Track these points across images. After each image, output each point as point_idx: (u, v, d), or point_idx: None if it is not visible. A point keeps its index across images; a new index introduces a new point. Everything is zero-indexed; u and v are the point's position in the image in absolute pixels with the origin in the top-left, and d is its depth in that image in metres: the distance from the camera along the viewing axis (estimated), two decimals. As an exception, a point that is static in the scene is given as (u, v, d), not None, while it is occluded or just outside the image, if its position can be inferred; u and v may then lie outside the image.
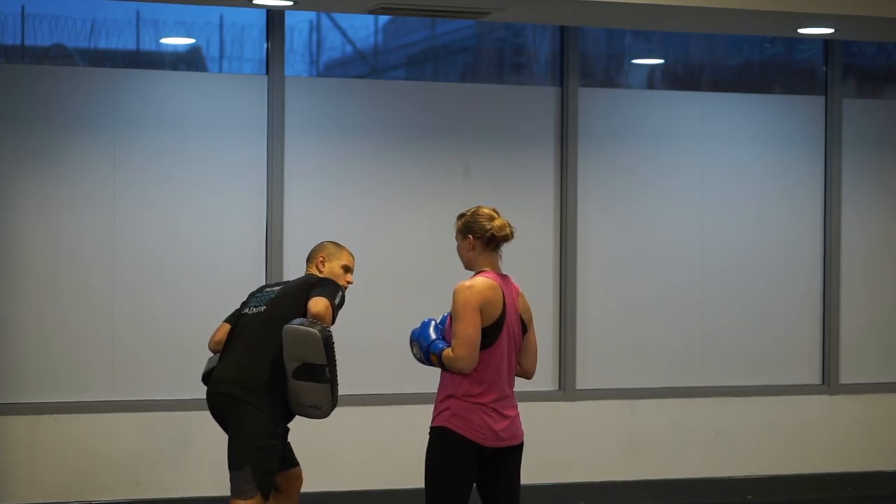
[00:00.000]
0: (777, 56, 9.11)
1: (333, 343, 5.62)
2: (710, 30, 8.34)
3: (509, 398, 5.22)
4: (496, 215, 5.25)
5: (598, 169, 8.36)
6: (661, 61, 8.95)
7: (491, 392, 5.14)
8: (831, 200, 8.73)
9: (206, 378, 5.89)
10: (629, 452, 8.35)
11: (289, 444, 5.95)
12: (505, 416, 5.17)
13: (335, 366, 5.64)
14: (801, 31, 8.01)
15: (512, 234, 5.24)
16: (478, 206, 5.29)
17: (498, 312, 5.12)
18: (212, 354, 5.96)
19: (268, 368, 5.69)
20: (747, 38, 8.86)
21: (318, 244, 6.09)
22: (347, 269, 6.02)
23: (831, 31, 8.02)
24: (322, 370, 5.58)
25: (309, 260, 6.07)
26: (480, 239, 5.21)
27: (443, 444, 5.14)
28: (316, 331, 5.55)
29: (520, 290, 5.31)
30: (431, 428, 5.19)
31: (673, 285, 8.50)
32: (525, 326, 5.29)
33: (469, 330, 5.05)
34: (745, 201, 8.65)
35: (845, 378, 8.77)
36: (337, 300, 5.73)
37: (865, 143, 8.83)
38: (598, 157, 8.36)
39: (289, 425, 5.88)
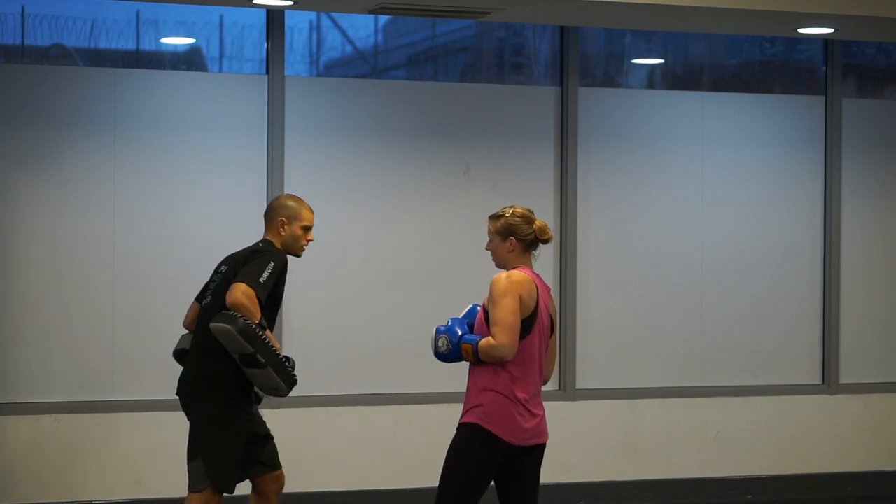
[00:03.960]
0: (777, 56, 9.11)
1: (255, 328, 5.50)
2: (710, 30, 8.34)
3: (538, 396, 5.24)
4: (533, 216, 5.29)
5: (597, 169, 8.36)
6: (661, 61, 8.95)
7: (524, 388, 5.15)
8: (831, 200, 8.73)
9: (177, 356, 5.94)
10: (629, 452, 8.35)
11: (272, 447, 5.87)
12: (534, 415, 5.20)
13: (268, 348, 5.53)
14: (801, 31, 8.01)
15: (552, 235, 5.31)
16: (513, 208, 5.31)
17: (533, 305, 5.16)
18: (186, 332, 5.99)
19: (213, 362, 5.66)
20: (747, 38, 8.86)
21: (276, 199, 5.94)
22: (307, 229, 5.85)
23: (831, 31, 8.03)
24: (254, 358, 5.52)
25: (268, 219, 5.87)
26: (523, 241, 5.25)
27: (472, 442, 5.14)
28: (229, 326, 5.48)
29: (550, 291, 5.35)
30: (462, 424, 5.18)
31: (673, 285, 8.50)
32: (552, 327, 5.33)
33: (510, 317, 5.07)
34: (744, 201, 8.65)
35: (845, 378, 8.77)
36: (265, 276, 5.58)
37: (865, 143, 8.83)
38: (598, 157, 8.36)
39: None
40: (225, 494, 5.70)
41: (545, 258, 8.23)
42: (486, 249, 5.34)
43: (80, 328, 7.54)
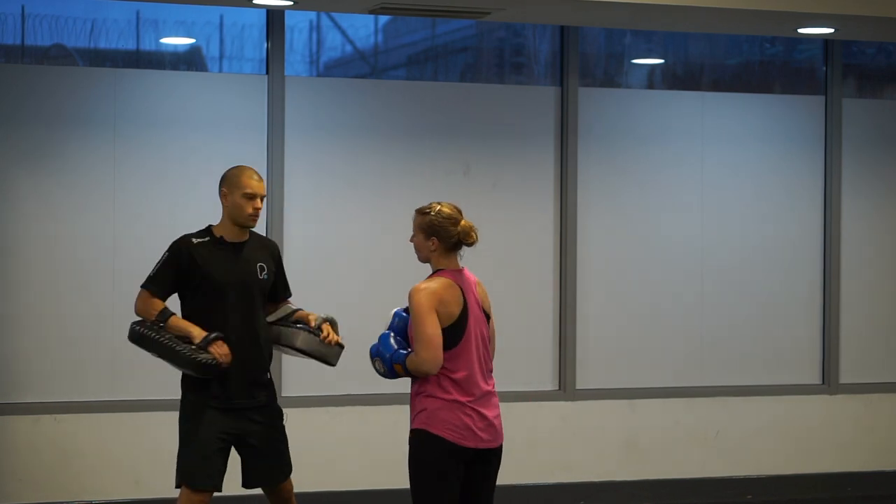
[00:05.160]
0: (777, 56, 9.11)
1: (138, 329, 5.54)
2: (710, 30, 8.34)
3: (488, 396, 5.15)
4: (460, 216, 5.17)
5: (598, 169, 8.36)
6: (661, 61, 8.95)
7: (466, 392, 5.08)
8: (831, 200, 8.73)
9: None
10: (629, 452, 8.35)
11: (271, 460, 5.71)
12: (484, 417, 5.11)
13: (156, 342, 5.51)
14: (801, 31, 8.01)
15: (477, 238, 5.18)
16: (440, 206, 5.18)
17: (458, 310, 5.08)
18: None
19: None
20: (747, 38, 8.86)
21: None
22: (250, 197, 5.63)
23: (831, 31, 8.03)
24: (157, 356, 5.57)
25: (218, 192, 5.77)
26: (445, 242, 5.16)
27: (422, 448, 5.07)
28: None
29: (477, 280, 5.25)
30: (411, 430, 5.13)
31: (673, 285, 8.50)
32: (487, 316, 5.24)
33: (428, 330, 5.00)
34: (745, 201, 8.65)
35: (845, 378, 8.77)
36: (155, 269, 5.66)
37: (865, 143, 8.83)
38: (598, 157, 8.36)
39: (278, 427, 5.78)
40: (218, 493, 5.66)
41: (545, 257, 8.26)
42: (409, 242, 5.24)
43: (79, 328, 7.54)
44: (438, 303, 5.04)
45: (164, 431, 7.52)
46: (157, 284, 5.63)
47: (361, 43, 8.46)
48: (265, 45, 7.85)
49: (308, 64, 8.21)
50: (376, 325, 7.92)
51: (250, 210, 5.63)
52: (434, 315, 5.01)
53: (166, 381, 7.55)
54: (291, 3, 7.29)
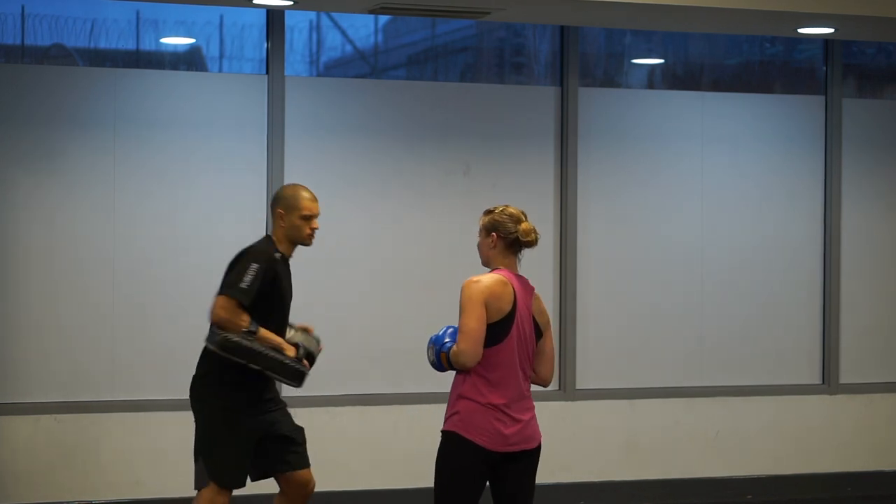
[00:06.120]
0: (777, 56, 9.11)
1: (236, 340, 5.46)
2: (710, 30, 8.34)
3: (523, 400, 5.13)
4: (523, 218, 5.20)
5: (597, 169, 8.36)
6: (661, 61, 8.95)
7: (502, 393, 5.06)
8: (831, 200, 8.73)
9: None
10: (629, 452, 8.35)
11: (297, 447, 5.83)
12: (517, 420, 5.09)
13: (258, 354, 5.50)
14: (801, 31, 8.02)
15: (536, 240, 5.19)
16: (506, 206, 5.23)
17: (507, 308, 5.07)
18: None
19: (214, 366, 5.64)
20: (747, 38, 8.86)
21: (277, 190, 5.86)
22: (307, 218, 5.70)
23: (831, 31, 8.03)
24: (247, 367, 5.54)
25: (271, 211, 5.82)
26: (504, 239, 5.16)
27: (451, 450, 5.07)
28: (209, 344, 5.53)
29: (535, 292, 5.25)
30: (441, 432, 5.13)
31: (673, 285, 8.50)
32: (540, 330, 5.22)
33: (472, 323, 5.00)
34: (745, 201, 8.65)
35: (845, 378, 8.77)
36: (247, 280, 5.50)
37: (865, 143, 8.83)
38: (598, 157, 8.36)
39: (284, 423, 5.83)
40: (235, 491, 5.72)
41: (545, 258, 8.25)
42: (476, 245, 5.27)
43: (79, 328, 7.54)
44: (490, 296, 5.03)
45: (165, 431, 7.54)
46: (247, 296, 5.53)
47: (361, 43, 8.46)
48: (265, 45, 7.85)
49: (308, 64, 8.22)
50: (376, 324, 7.97)
51: (308, 231, 5.74)
52: (481, 309, 5.02)
53: (166, 381, 7.57)
54: (291, 3, 7.29)
